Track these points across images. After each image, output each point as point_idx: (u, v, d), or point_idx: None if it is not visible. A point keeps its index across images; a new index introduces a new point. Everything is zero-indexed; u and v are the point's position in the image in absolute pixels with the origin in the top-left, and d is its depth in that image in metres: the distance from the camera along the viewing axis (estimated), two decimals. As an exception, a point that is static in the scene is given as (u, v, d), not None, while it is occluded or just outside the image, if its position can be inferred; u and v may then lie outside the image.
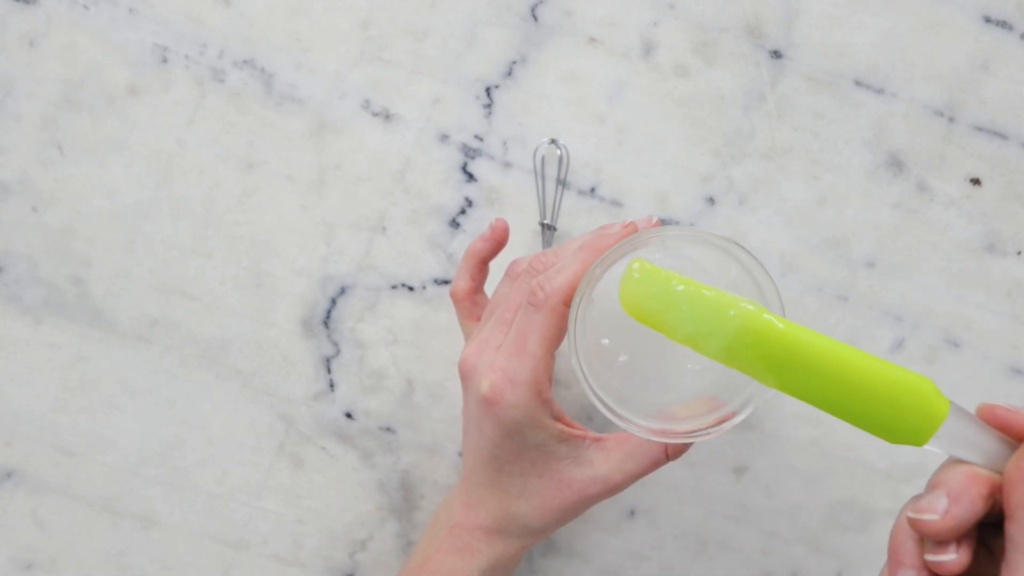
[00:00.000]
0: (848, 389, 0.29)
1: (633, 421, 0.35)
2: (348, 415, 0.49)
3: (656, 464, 0.38)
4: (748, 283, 0.36)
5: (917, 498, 0.29)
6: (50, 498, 0.49)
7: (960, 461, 0.29)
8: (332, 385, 0.48)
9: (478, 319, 0.43)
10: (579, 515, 0.40)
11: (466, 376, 0.38)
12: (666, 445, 0.38)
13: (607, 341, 0.39)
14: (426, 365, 0.48)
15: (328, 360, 0.48)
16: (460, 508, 0.41)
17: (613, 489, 0.38)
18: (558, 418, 0.39)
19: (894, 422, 0.29)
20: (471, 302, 0.43)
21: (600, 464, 0.38)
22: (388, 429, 0.49)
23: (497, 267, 0.44)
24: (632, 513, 0.49)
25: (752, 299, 0.34)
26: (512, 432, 0.37)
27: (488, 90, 0.48)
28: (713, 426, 0.36)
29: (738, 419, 0.36)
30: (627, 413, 0.35)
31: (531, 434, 0.37)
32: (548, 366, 0.37)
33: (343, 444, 0.49)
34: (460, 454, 0.49)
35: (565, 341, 0.38)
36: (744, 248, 0.34)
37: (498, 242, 0.43)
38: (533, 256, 0.39)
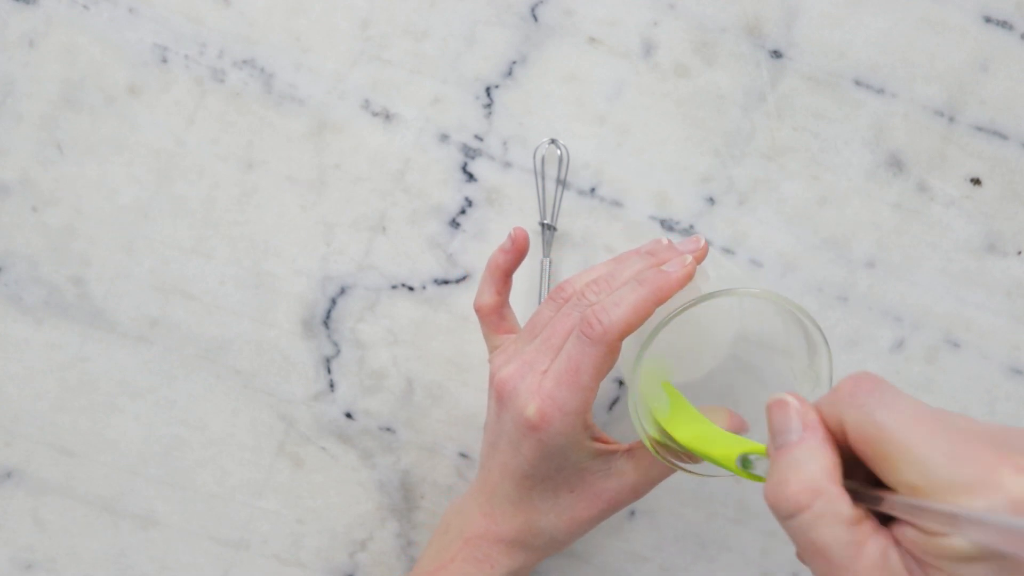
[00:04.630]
0: None
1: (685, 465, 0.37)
2: (348, 415, 0.49)
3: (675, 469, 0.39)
4: (802, 344, 0.36)
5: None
6: (50, 498, 0.49)
7: None
8: (332, 385, 0.48)
9: (506, 332, 0.42)
10: (601, 522, 0.40)
11: (507, 396, 0.38)
12: None
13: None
14: (426, 365, 0.48)
15: (328, 360, 0.48)
16: (481, 519, 0.40)
17: (639, 495, 0.39)
18: (596, 438, 0.39)
19: None
20: (498, 316, 0.42)
21: (630, 472, 0.39)
22: (388, 429, 0.49)
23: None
24: (632, 514, 0.49)
25: (801, 361, 0.36)
26: (553, 455, 0.37)
27: (488, 90, 0.48)
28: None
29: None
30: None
31: (571, 456, 0.38)
32: (595, 395, 0.37)
33: (343, 444, 0.49)
34: (467, 454, 0.49)
35: (619, 371, 0.39)
36: (808, 314, 0.34)
37: (520, 252, 0.42)
38: (584, 284, 0.38)
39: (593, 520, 0.39)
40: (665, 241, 0.41)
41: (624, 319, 0.35)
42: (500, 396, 0.38)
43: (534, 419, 0.36)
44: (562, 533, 0.40)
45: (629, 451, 0.39)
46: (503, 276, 0.42)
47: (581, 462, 0.38)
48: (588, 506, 0.39)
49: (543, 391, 0.36)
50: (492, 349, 0.42)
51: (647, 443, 0.36)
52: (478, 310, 0.43)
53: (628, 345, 0.37)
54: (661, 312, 0.35)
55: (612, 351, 0.35)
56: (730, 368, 0.43)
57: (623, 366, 0.39)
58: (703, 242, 0.39)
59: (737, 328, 0.43)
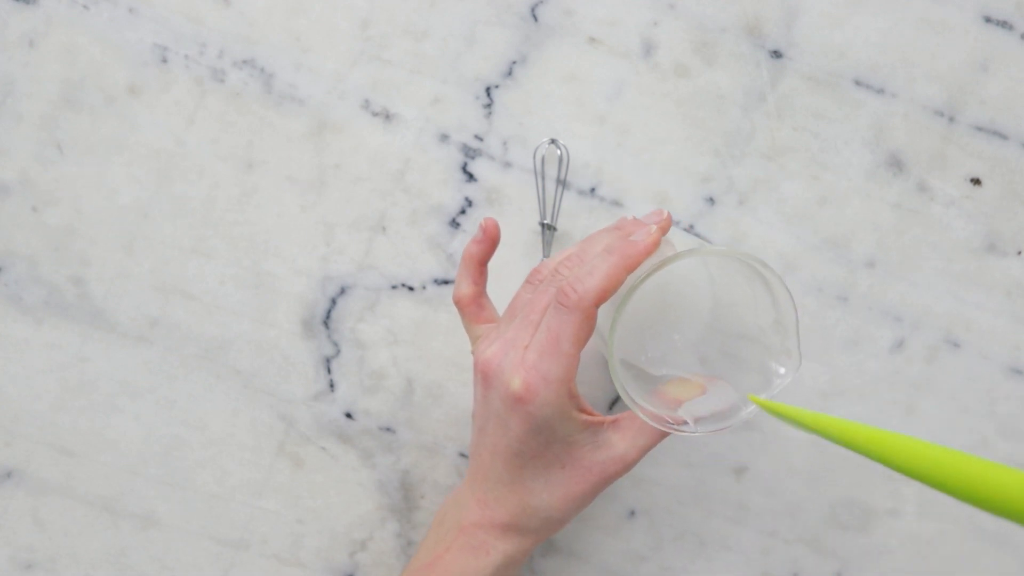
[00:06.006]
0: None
1: (670, 420, 0.37)
2: (348, 415, 0.49)
3: (663, 436, 0.40)
4: (767, 299, 0.38)
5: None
6: (50, 498, 0.49)
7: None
8: (332, 385, 0.48)
9: (485, 321, 0.43)
10: (594, 499, 0.41)
11: (491, 376, 0.39)
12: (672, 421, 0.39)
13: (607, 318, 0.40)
14: (426, 365, 0.48)
15: (328, 360, 0.48)
16: (475, 507, 0.41)
17: (629, 465, 0.40)
18: (582, 409, 0.40)
19: None
20: (476, 306, 0.43)
21: (618, 443, 0.40)
22: (388, 429, 0.49)
23: (493, 268, 0.44)
24: (632, 513, 0.49)
25: (767, 316, 0.38)
26: (541, 428, 0.38)
27: (488, 90, 0.48)
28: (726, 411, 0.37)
29: (750, 409, 0.37)
30: (651, 406, 0.37)
31: (559, 428, 0.38)
32: (577, 363, 0.38)
33: (343, 444, 0.49)
34: (467, 454, 0.49)
35: (594, 342, 0.39)
36: (769, 266, 0.36)
37: (492, 241, 0.43)
38: (558, 262, 0.40)
39: (586, 496, 0.40)
40: (630, 217, 0.43)
41: (598, 286, 0.36)
42: (485, 376, 0.39)
43: (520, 391, 0.37)
44: (557, 511, 0.40)
45: (615, 422, 0.40)
46: (478, 266, 0.43)
47: (570, 435, 0.39)
48: (580, 481, 0.39)
49: (526, 363, 0.37)
50: (473, 339, 0.43)
51: (626, 399, 0.37)
52: (457, 302, 0.43)
53: (603, 317, 0.38)
54: (632, 280, 0.37)
55: (589, 318, 0.36)
56: (701, 334, 0.44)
57: (599, 339, 0.40)
58: (666, 213, 0.41)
59: (706, 295, 0.44)
